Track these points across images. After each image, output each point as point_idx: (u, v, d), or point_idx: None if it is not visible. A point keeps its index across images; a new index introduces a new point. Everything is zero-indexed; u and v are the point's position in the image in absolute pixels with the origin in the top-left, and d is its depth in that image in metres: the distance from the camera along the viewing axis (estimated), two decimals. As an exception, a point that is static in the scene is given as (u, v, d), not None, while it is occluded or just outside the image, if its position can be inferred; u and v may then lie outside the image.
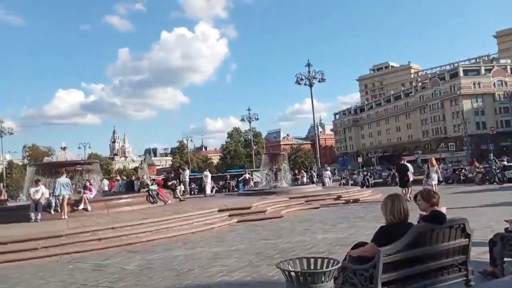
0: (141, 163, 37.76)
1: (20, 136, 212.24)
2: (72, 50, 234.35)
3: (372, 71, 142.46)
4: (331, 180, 31.01)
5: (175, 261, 7.75)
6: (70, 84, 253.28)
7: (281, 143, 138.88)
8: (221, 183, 32.37)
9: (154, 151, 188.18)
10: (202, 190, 28.76)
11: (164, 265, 7.45)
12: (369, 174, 36.62)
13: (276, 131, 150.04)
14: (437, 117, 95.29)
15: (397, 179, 18.23)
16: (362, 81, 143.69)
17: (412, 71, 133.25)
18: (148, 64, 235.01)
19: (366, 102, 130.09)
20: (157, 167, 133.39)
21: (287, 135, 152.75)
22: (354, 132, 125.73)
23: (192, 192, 27.03)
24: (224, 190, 29.36)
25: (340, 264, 3.73)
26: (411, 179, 16.85)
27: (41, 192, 14.04)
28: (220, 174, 49.13)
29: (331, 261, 3.76)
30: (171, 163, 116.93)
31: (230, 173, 42.65)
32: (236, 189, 29.17)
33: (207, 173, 28.18)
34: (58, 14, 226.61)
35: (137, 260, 8.13)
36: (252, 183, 30.59)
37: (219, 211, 13.68)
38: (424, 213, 4.38)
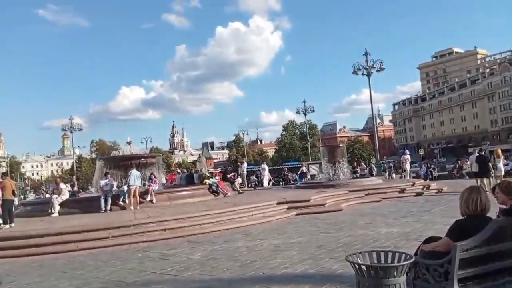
0: (199, 157, 38.73)
1: (88, 132, 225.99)
2: (133, 49, 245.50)
3: (434, 58, 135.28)
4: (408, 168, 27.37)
5: (237, 252, 7.88)
6: (132, 81, 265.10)
7: (337, 135, 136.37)
8: (278, 176, 32.45)
9: (211, 145, 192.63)
10: (259, 183, 29.03)
11: (227, 256, 7.59)
12: (432, 166, 34.95)
13: (332, 123, 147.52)
14: (507, 105, 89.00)
15: (473, 170, 17.59)
16: (423, 69, 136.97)
17: (479, 56, 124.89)
18: (204, 59, 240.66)
19: (427, 91, 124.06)
20: (214, 161, 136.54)
21: (344, 127, 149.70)
22: (415, 123, 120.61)
23: (250, 185, 27.30)
24: (281, 182, 29.39)
25: (413, 259, 3.58)
26: (492, 170, 16.46)
27: (110, 184, 14.85)
28: (277, 167, 49.22)
29: (403, 255, 3.61)
30: (227, 156, 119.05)
31: (286, 166, 42.60)
32: (292, 182, 29.10)
33: (264, 166, 28.34)
34: (121, 15, 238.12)
35: (200, 251, 8.35)
36: (309, 176, 30.37)
37: (278, 203, 13.71)
38: (504, 206, 4.09)
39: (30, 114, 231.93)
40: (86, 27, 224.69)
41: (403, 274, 3.46)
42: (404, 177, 26.54)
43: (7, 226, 11.85)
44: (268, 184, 27.36)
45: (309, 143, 63.32)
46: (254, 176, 31.88)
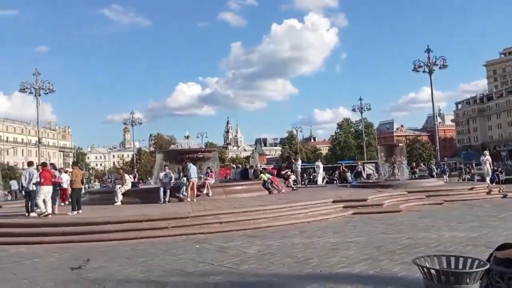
0: (253, 153, 39.07)
1: (147, 126, 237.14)
2: (191, 47, 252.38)
3: (502, 55, 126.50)
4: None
5: (293, 249, 7.84)
6: (189, 78, 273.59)
7: (394, 134, 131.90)
8: (332, 174, 31.94)
9: (264, 141, 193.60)
10: (311, 180, 28.74)
11: (283, 252, 7.59)
12: (499, 169, 32.77)
13: (389, 121, 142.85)
14: None
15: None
16: (491, 66, 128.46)
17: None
18: (258, 56, 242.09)
19: (494, 89, 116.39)
20: (267, 157, 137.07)
21: (401, 126, 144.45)
22: (480, 123, 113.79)
23: (303, 182, 27.11)
24: (335, 181, 28.91)
25: (487, 266, 3.37)
26: None
27: (169, 177, 15.37)
28: (330, 165, 48.48)
29: (476, 261, 3.42)
30: (280, 153, 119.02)
31: (339, 165, 41.84)
32: (346, 181, 28.52)
33: (319, 163, 28.03)
34: (179, 14, 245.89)
35: (256, 245, 8.42)
36: (364, 175, 29.62)
37: (333, 202, 13.52)
38: None
39: (94, 109, 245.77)
40: (147, 26, 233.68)
41: (476, 281, 3.29)
42: (474, 179, 25.10)
43: (75, 212, 12.64)
44: (322, 182, 27.02)
45: (364, 141, 61.70)
46: (306, 174, 31.59)
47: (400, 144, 28.31)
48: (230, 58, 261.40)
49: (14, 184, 22.96)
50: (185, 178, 15.30)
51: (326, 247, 7.95)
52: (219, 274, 6.22)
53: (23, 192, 14.43)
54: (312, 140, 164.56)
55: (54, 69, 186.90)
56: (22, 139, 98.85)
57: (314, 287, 5.26)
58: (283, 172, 20.45)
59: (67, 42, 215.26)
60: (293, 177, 21.18)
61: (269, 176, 17.83)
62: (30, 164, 13.77)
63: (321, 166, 27.59)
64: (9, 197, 28.57)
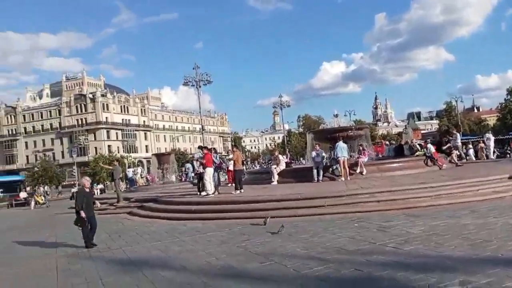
0: (405, 128, 36.68)
1: (294, 108, 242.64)
2: (332, 25, 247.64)
3: None
4: None
5: (464, 230, 7.09)
6: (333, 56, 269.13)
7: None
8: (504, 147, 27.94)
9: (418, 115, 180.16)
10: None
11: (452, 233, 6.93)
12: None
13: None
14: None
15: None
16: None
17: None
18: (406, 25, 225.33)
19: None
20: (422, 132, 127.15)
21: None
22: None
23: (468, 157, 24.32)
24: (510, 154, 25.18)
25: None
26: None
27: (321, 156, 15.47)
28: (501, 137, 42.51)
29: None
30: (437, 126, 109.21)
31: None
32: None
33: (489, 135, 24.79)
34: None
35: (419, 225, 7.88)
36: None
37: (510, 178, 11.80)
38: None
39: (246, 95, 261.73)
40: (289, 10, 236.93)
41: None
42: None
43: (238, 192, 13.71)
44: (493, 156, 23.84)
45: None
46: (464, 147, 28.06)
47: None
48: (374, 31, 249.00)
49: (188, 167, 26.16)
50: (335, 157, 15.19)
51: (505, 228, 6.98)
52: (382, 254, 6.01)
53: (195, 174, 16.28)
54: (476, 110, 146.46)
55: (210, 61, 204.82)
56: (188, 127, 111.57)
57: (497, 272, 4.66)
58: (444, 147, 18.69)
59: (219, 36, 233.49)
60: (456, 152, 19.20)
61: (432, 148, 16.43)
62: (200, 148, 15.40)
63: (492, 138, 24.31)
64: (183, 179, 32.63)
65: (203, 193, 13.63)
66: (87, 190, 9.39)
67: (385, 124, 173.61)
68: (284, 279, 5.34)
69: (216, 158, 15.28)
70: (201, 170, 14.04)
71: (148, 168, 62.30)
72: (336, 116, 20.88)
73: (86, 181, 9.66)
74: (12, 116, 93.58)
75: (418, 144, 20.52)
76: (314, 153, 15.85)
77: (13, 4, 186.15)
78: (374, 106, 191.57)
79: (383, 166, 16.24)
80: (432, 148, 16.73)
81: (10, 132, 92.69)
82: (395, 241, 6.72)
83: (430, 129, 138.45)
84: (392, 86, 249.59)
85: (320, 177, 15.20)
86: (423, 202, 10.25)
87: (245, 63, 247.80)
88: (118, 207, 17.04)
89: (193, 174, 20.13)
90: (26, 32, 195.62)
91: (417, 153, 17.43)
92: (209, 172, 13.56)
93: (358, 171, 15.22)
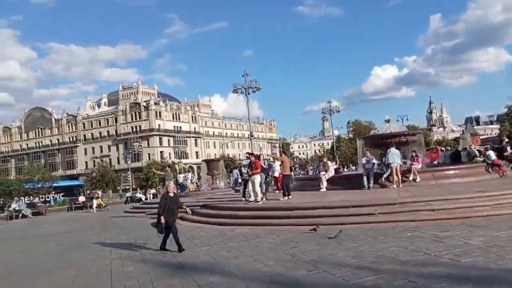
0: (463, 133, 34.93)
1: (344, 113, 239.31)
2: (383, 28, 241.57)
3: None
4: None
5: (530, 242, 6.61)
6: (384, 60, 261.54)
7: None
8: None
9: (477, 120, 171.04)
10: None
11: (516, 245, 6.48)
12: None
13: None
14: None
15: None
16: None
17: None
18: (463, 26, 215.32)
19: None
20: (482, 137, 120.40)
21: None
22: None
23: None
24: None
25: None
26: None
27: (372, 162, 15.04)
28: None
29: None
30: (498, 131, 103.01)
31: None
32: None
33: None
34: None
35: (479, 236, 7.44)
36: None
37: None
38: None
39: (295, 100, 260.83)
40: (339, 15, 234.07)
41: None
42: None
43: (285, 198, 13.63)
44: None
45: None
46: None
47: None
48: (428, 33, 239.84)
49: (235, 173, 26.53)
50: (387, 164, 14.71)
51: None
52: (438, 266, 5.71)
53: (242, 180, 16.41)
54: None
55: (258, 68, 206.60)
56: (237, 134, 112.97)
57: None
58: (506, 153, 17.57)
59: (267, 43, 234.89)
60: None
61: (492, 154, 15.50)
62: (248, 155, 15.52)
63: None
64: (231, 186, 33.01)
65: (251, 199, 13.65)
66: (171, 195, 9.15)
67: (440, 129, 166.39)
68: (333, 288, 5.22)
69: (264, 164, 15.31)
70: (247, 176, 14.14)
71: (198, 174, 63.71)
72: (388, 121, 20.21)
73: (172, 185, 9.55)
74: (73, 124, 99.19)
75: (477, 150, 19.44)
76: (364, 160, 15.44)
77: (75, 19, 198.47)
78: (429, 110, 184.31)
79: (439, 173, 15.52)
80: (492, 155, 15.79)
81: (71, 139, 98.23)
82: (452, 252, 6.38)
83: (490, 134, 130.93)
84: (448, 89, 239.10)
85: (371, 184, 14.77)
86: (482, 211, 9.68)
87: (293, 69, 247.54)
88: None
89: (240, 181, 20.30)
90: (87, 45, 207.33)
91: (475, 160, 16.50)
92: (258, 179, 13.59)
93: (411, 178, 14.64)
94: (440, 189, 12.65)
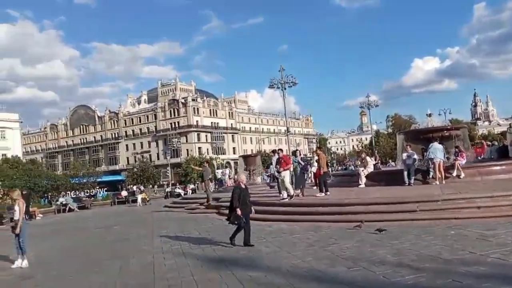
0: (510, 127, 33.29)
1: (382, 108, 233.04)
2: (424, 19, 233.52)
3: None
4: None
5: None
6: (425, 52, 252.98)
7: None
8: None
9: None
10: None
11: None
12: None
13: None
14: None
15: None
16: None
17: None
18: (509, 14, 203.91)
19: None
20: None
21: None
22: None
23: None
24: None
25: None
26: None
27: (412, 158, 14.63)
28: None
29: None
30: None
31: None
32: None
33: None
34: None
35: (529, 235, 7.10)
36: None
37: None
38: None
39: (332, 95, 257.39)
40: (377, 7, 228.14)
41: None
42: None
43: (323, 194, 13.52)
44: None
45: None
46: None
47: None
48: (472, 22, 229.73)
49: (271, 169, 26.72)
50: (429, 160, 14.26)
51: None
52: (484, 265, 5.51)
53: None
54: None
55: (295, 63, 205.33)
56: (274, 129, 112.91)
57: None
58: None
59: (304, 37, 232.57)
60: None
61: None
62: (274, 152, 15.53)
63: None
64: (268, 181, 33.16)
65: (284, 195, 13.59)
66: (243, 186, 8.94)
67: (486, 123, 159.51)
68: (373, 286, 5.16)
69: (300, 160, 15.24)
70: (276, 173, 14.19)
71: (236, 170, 64.28)
72: (430, 115, 19.61)
73: (244, 177, 9.44)
74: (115, 121, 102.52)
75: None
76: (405, 155, 15.04)
77: (115, 19, 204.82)
78: (473, 103, 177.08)
79: (484, 169, 14.90)
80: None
81: (113, 136, 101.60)
82: (499, 251, 6.14)
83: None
84: (494, 81, 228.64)
85: (412, 180, 14.39)
86: (533, 209, 9.21)
87: (330, 63, 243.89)
88: (208, 206, 17.81)
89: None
90: (127, 44, 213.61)
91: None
92: (288, 175, 13.55)
93: (454, 174, 14.13)
94: (486, 185, 12.16)
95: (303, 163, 15.11)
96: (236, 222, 8.59)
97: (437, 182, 13.66)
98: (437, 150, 13.92)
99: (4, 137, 60.58)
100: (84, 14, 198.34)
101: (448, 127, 18.54)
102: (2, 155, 52.87)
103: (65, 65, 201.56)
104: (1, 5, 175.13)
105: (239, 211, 8.44)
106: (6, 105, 70.29)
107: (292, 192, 13.39)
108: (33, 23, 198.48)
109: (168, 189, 49.22)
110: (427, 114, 19.64)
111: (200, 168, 25.08)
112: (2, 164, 43.51)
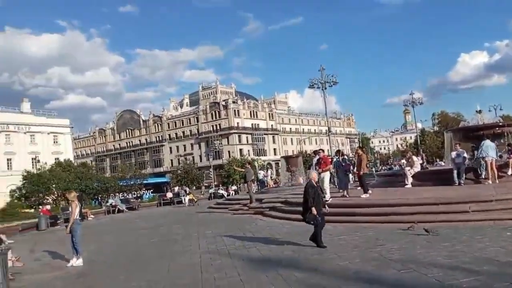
0: None
1: (428, 105, 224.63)
2: (471, 12, 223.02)
3: None
4: None
5: None
6: (472, 46, 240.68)
7: None
8: None
9: None
10: None
11: None
12: None
13: None
14: None
15: None
16: None
17: None
18: None
19: None
20: None
21: None
22: None
23: None
24: None
25: None
26: None
27: (462, 156, 14.07)
28: None
29: None
30: None
31: None
32: None
33: None
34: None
35: None
36: None
37: None
38: None
39: (374, 93, 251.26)
40: (421, 2, 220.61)
41: None
42: None
43: (366, 195, 13.24)
44: None
45: None
46: None
47: None
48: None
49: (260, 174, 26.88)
50: (481, 158, 13.63)
51: None
52: (545, 269, 5.22)
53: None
54: None
55: (335, 62, 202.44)
56: (315, 130, 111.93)
57: None
58: None
59: (344, 35, 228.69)
60: None
61: None
62: (315, 152, 15.38)
63: None
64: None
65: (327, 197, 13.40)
66: (315, 184, 8.62)
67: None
68: (425, 289, 5.02)
69: (344, 161, 15.01)
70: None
71: (277, 171, 64.33)
72: (479, 112, 18.69)
73: (315, 174, 9.19)
74: (159, 125, 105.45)
75: None
76: (454, 154, 14.46)
77: (157, 25, 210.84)
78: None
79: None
80: None
81: (157, 139, 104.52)
82: (561, 254, 5.79)
83: None
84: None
85: (462, 180, 13.81)
86: None
87: (372, 61, 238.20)
88: (250, 207, 17.94)
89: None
90: (168, 49, 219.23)
91: None
92: (328, 176, 13.37)
93: (509, 173, 13.45)
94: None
95: (343, 164, 14.88)
96: (312, 222, 8.38)
97: (490, 182, 13.05)
98: (489, 148, 13.29)
99: (56, 142, 64.01)
100: (128, 22, 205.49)
101: (500, 123, 17.63)
102: (55, 159, 55.84)
103: (111, 71, 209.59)
104: (50, 16, 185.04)
105: (314, 211, 8.20)
106: (58, 112, 73.71)
107: (328, 194, 13.21)
108: (81, 32, 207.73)
109: (212, 190, 49.96)
110: (476, 111, 18.74)
111: (242, 170, 25.31)
112: (56, 168, 45.82)
